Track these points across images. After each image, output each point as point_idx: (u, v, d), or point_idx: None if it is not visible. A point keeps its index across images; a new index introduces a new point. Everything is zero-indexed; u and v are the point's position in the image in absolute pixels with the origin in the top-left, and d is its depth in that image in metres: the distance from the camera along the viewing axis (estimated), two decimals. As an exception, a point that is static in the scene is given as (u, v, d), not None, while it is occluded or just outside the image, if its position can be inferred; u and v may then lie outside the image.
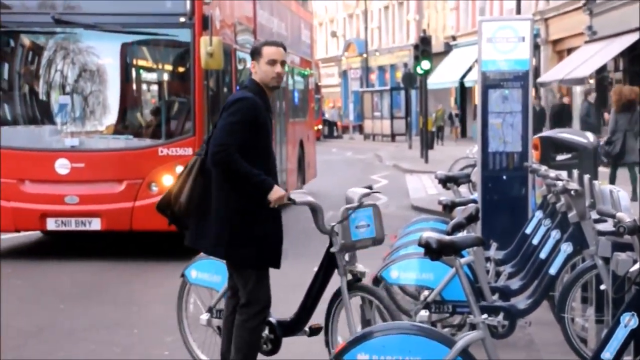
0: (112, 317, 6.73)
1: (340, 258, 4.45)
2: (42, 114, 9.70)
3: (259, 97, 4.36)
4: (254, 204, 4.28)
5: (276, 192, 4.25)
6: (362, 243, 4.49)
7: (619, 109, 11.13)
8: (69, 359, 5.60)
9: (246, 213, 4.28)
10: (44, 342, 6.01)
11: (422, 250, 3.47)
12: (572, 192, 5.19)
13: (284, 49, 4.46)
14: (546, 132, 9.65)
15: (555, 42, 27.50)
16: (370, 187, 4.74)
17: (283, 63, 4.41)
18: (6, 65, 9.85)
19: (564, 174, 5.99)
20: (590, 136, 8.46)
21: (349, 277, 4.48)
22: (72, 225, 9.14)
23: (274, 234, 4.37)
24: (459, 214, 4.88)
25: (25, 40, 9.77)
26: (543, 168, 6.33)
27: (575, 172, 5.82)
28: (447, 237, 3.50)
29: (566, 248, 5.25)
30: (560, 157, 8.25)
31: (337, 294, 4.53)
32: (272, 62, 4.34)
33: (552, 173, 5.85)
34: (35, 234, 10.63)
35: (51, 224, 9.17)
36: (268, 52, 4.34)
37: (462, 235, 4.60)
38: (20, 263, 9.12)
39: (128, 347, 5.85)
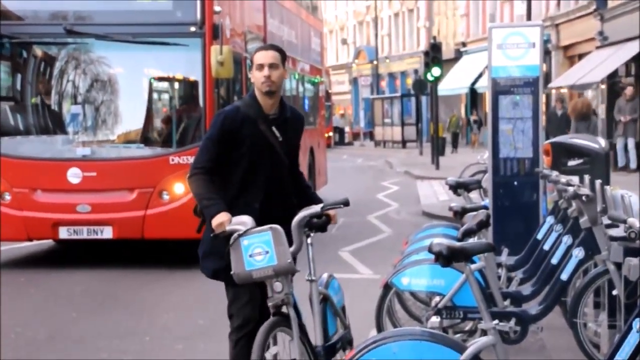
0: (124, 324, 6.75)
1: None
2: (53, 123, 9.76)
3: (251, 106, 4.22)
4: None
5: (216, 220, 4.01)
6: (261, 274, 3.84)
7: (577, 118, 11.38)
8: (81, 367, 5.61)
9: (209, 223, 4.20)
10: (56, 350, 6.03)
11: (432, 256, 3.47)
12: (584, 198, 5.17)
13: (279, 51, 4.26)
14: (557, 138, 9.62)
15: (567, 48, 27.44)
16: (344, 203, 4.19)
17: (273, 66, 4.19)
18: (19, 76, 9.92)
19: (575, 179, 5.96)
20: (602, 141, 8.43)
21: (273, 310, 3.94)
22: (84, 234, 9.19)
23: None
24: (470, 220, 4.88)
25: (37, 50, 9.83)
26: (554, 174, 6.31)
27: (587, 178, 5.80)
28: (458, 244, 3.50)
29: (578, 253, 5.23)
30: (571, 163, 8.21)
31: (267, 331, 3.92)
32: (260, 67, 4.18)
33: (564, 178, 5.83)
34: (47, 243, 10.68)
35: (63, 233, 9.21)
36: (257, 57, 4.22)
37: (472, 241, 4.60)
38: (32, 272, 9.16)
39: (139, 355, 5.86)
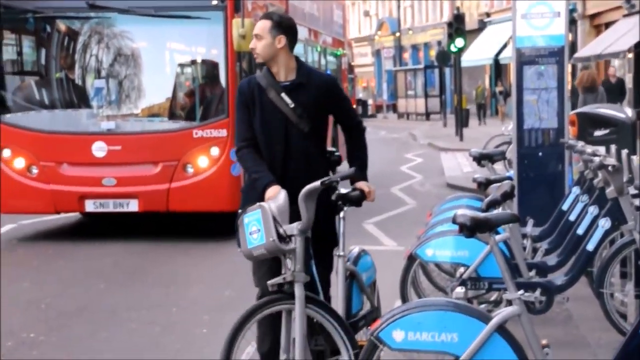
0: (152, 296, 6.83)
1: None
2: (78, 97, 9.83)
3: (264, 75, 4.15)
4: (247, 187, 4.24)
5: (267, 193, 3.98)
6: (258, 251, 3.79)
7: (584, 90, 11.29)
8: (111, 338, 5.70)
9: (246, 196, 4.21)
10: (86, 322, 6.12)
11: (457, 227, 3.46)
12: (610, 168, 5.13)
13: (270, 19, 4.13)
14: (583, 108, 9.53)
15: (593, 17, 27.03)
16: (344, 177, 4.03)
17: (257, 36, 4.11)
18: (43, 51, 9.99)
19: (601, 149, 5.92)
20: (628, 111, 8.34)
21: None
22: (110, 206, 9.28)
23: None
24: (494, 192, 4.85)
25: (61, 25, 9.88)
26: (580, 144, 6.26)
27: (613, 148, 5.75)
28: (482, 215, 3.49)
29: (604, 224, 5.20)
30: (597, 133, 8.14)
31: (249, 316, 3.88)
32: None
33: (589, 149, 5.79)
34: (74, 216, 10.80)
35: (89, 206, 9.31)
36: None
37: (497, 212, 4.58)
38: (61, 244, 9.29)
39: (167, 326, 5.94)
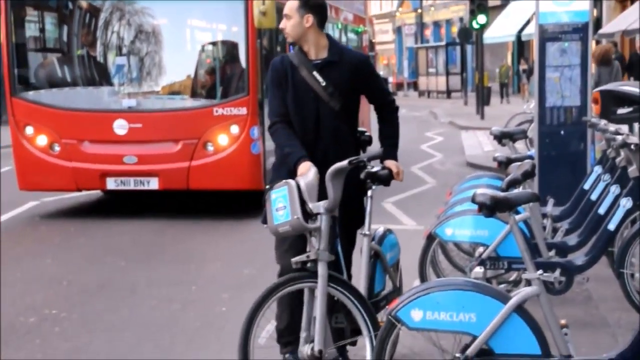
0: (172, 274, 6.88)
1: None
2: (99, 75, 9.86)
3: (296, 54, 4.17)
4: (277, 163, 4.25)
5: (300, 168, 3.99)
6: (283, 228, 3.79)
7: (598, 64, 11.16)
8: (131, 315, 5.75)
9: (276, 172, 4.24)
10: (107, 298, 6.18)
11: (476, 207, 3.45)
12: (633, 146, 5.08)
13: None
14: (607, 85, 9.41)
15: (618, -8, 26.62)
16: (371, 157, 4.11)
17: (286, 16, 4.17)
18: (65, 28, 10.02)
19: (624, 127, 5.86)
20: (653, 89, 8.23)
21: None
22: (131, 184, 9.33)
23: None
24: (515, 171, 4.82)
25: (83, 2, 9.89)
26: (602, 122, 6.19)
27: (637, 126, 5.69)
28: (501, 194, 3.48)
29: (625, 203, 5.16)
30: (621, 111, 8.04)
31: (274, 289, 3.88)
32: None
33: (612, 127, 5.73)
34: (96, 194, 10.88)
35: (111, 184, 9.37)
36: None
37: (517, 191, 4.55)
38: (82, 222, 9.36)
39: (187, 304, 5.98)
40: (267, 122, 4.31)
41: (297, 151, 4.08)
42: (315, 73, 4.14)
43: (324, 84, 4.14)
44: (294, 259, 3.83)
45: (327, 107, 4.15)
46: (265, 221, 4.01)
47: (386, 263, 4.36)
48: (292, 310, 4.11)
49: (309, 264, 3.81)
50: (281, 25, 4.20)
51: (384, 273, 4.37)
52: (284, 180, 3.85)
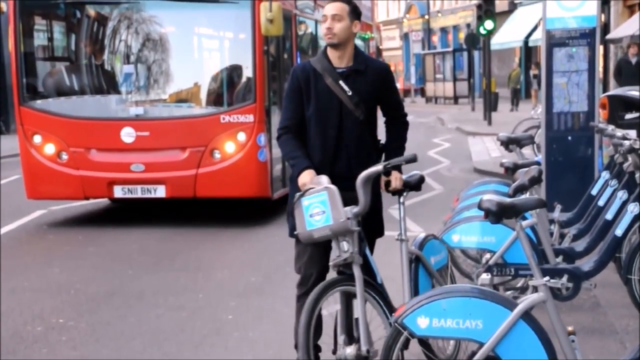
0: (179, 282, 6.88)
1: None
2: (107, 83, 9.90)
3: (320, 60, 4.11)
4: (295, 175, 4.17)
5: (300, 179, 4.01)
6: (320, 233, 3.86)
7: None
8: (139, 323, 5.75)
9: (290, 183, 4.22)
10: (115, 306, 6.18)
11: (483, 213, 3.43)
12: (640, 152, 5.06)
13: (346, 2, 4.11)
14: (614, 91, 9.39)
15: (626, -3, 26.59)
16: (409, 160, 4.07)
17: (336, 17, 4.08)
18: (73, 37, 10.07)
19: (632, 133, 5.84)
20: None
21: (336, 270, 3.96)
22: (138, 192, 9.35)
23: None
24: (521, 176, 4.81)
25: (90, 11, 9.94)
26: (610, 127, 6.18)
27: (644, 131, 5.67)
28: (508, 200, 3.46)
29: (633, 209, 5.13)
30: (629, 116, 8.04)
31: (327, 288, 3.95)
32: (324, 19, 4.11)
33: (619, 132, 5.72)
34: (103, 202, 10.90)
35: (118, 192, 9.39)
36: (324, 9, 4.17)
37: (523, 197, 4.54)
38: (90, 230, 9.38)
39: (194, 311, 5.98)
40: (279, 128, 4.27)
41: (301, 162, 4.08)
42: (341, 82, 4.10)
43: (350, 93, 4.10)
44: (332, 263, 3.89)
45: (351, 116, 4.12)
46: (292, 234, 4.08)
47: (430, 267, 4.38)
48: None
49: (340, 268, 3.88)
50: (328, 25, 4.08)
51: (428, 277, 4.38)
52: (322, 186, 3.87)
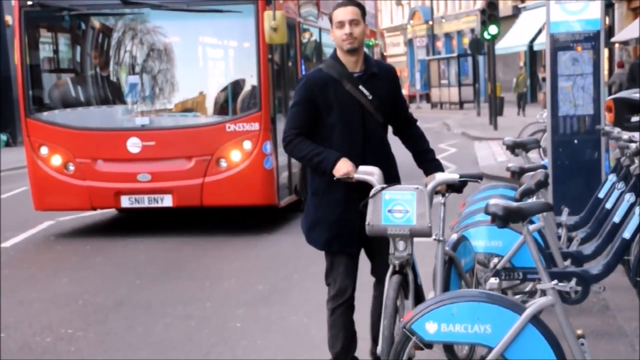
0: (187, 291, 6.88)
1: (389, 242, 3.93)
2: (112, 94, 9.93)
3: (334, 67, 4.07)
4: (324, 186, 4.11)
5: (339, 168, 3.94)
6: (395, 230, 3.82)
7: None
8: (147, 333, 5.75)
9: (316, 195, 4.15)
10: (123, 316, 6.19)
11: (490, 217, 3.43)
12: (646, 154, 5.04)
13: (358, 6, 4.10)
14: (620, 93, 9.36)
15: (630, 0, 26.57)
16: (480, 178, 4.18)
17: (354, 22, 4.05)
18: (78, 48, 10.11)
19: (638, 135, 5.81)
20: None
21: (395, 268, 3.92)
22: (145, 202, 9.37)
23: (343, 218, 4.08)
24: (528, 180, 4.80)
25: (95, 22, 9.98)
26: (616, 130, 6.16)
27: (650, 133, 5.65)
28: (514, 204, 3.45)
29: (640, 211, 5.11)
30: (635, 119, 8.02)
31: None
32: (340, 25, 4.05)
33: (625, 135, 5.70)
34: (110, 212, 10.92)
35: (125, 202, 9.41)
36: (336, 14, 4.10)
37: (530, 201, 4.53)
38: (98, 240, 9.40)
39: (202, 320, 5.98)
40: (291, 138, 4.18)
41: (330, 153, 3.99)
42: (361, 87, 4.09)
43: (370, 97, 4.10)
44: (397, 261, 3.85)
45: (373, 120, 4.12)
46: (323, 247, 4.11)
47: (461, 269, 4.39)
48: (346, 330, 4.16)
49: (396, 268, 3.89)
50: (348, 30, 4.05)
51: (459, 279, 4.39)
52: (413, 186, 3.87)
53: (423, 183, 4.16)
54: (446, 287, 4.22)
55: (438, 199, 4.20)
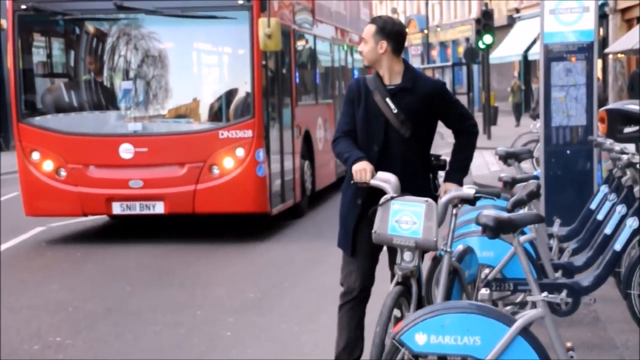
0: (177, 298, 6.85)
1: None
2: (105, 99, 9.88)
3: (372, 77, 4.25)
4: (345, 186, 4.28)
5: (356, 167, 4.05)
6: (401, 241, 3.87)
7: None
8: (136, 340, 5.72)
9: (343, 194, 4.33)
10: (112, 324, 6.15)
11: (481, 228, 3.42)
12: (638, 166, 5.04)
13: (373, 23, 4.27)
14: (613, 104, 9.38)
15: (624, 11, 26.66)
16: (497, 195, 4.22)
17: (363, 40, 4.28)
18: (71, 53, 10.07)
19: (630, 147, 5.82)
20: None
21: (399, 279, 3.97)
22: (137, 209, 9.33)
23: (347, 218, 4.24)
24: (520, 191, 4.79)
25: (89, 27, 9.95)
26: (608, 141, 6.16)
27: (642, 145, 5.66)
28: (505, 215, 3.44)
29: (632, 223, 5.11)
30: (627, 130, 8.02)
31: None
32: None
33: (617, 146, 5.70)
34: (102, 219, 10.88)
35: (116, 208, 9.36)
36: None
37: (522, 212, 4.52)
38: (88, 247, 9.35)
39: (192, 328, 5.95)
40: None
41: (356, 153, 4.12)
42: (388, 99, 4.17)
43: (395, 110, 4.17)
44: (401, 272, 3.90)
45: (396, 133, 4.18)
46: (341, 245, 4.19)
47: (464, 280, 4.39)
48: (350, 330, 4.23)
49: (399, 279, 3.92)
50: (360, 48, 4.28)
51: (461, 290, 4.39)
52: (423, 198, 3.91)
53: (441, 192, 4.24)
54: (448, 299, 4.20)
55: (450, 208, 4.20)
